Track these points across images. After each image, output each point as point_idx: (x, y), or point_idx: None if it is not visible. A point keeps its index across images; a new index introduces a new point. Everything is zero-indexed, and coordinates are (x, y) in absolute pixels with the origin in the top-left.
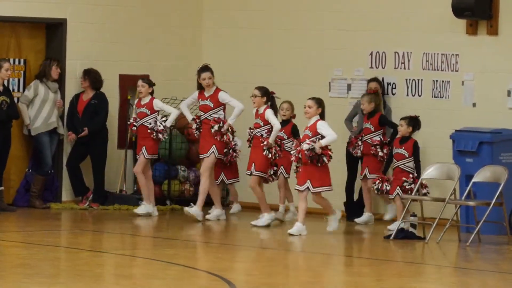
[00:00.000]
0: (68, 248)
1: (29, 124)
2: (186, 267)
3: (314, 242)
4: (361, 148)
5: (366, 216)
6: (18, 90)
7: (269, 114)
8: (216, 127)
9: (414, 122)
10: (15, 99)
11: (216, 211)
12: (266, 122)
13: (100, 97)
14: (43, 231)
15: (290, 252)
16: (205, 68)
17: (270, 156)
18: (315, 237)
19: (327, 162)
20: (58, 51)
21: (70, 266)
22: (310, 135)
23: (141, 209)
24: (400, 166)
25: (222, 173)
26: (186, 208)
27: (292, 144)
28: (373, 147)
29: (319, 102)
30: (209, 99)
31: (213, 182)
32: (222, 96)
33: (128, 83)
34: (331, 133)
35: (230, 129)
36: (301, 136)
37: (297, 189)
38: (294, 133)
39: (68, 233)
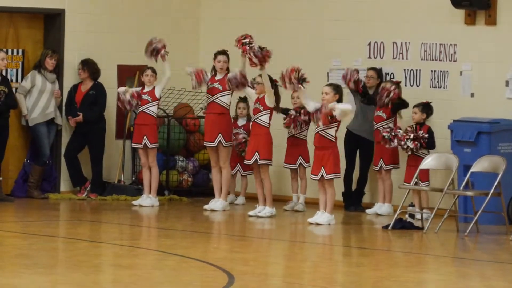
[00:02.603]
0: (66, 239)
1: (26, 115)
2: (185, 257)
3: (311, 232)
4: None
5: (387, 207)
6: (17, 81)
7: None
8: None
9: (427, 109)
10: (13, 90)
11: (221, 202)
12: (266, 107)
13: (99, 87)
14: (41, 222)
15: (287, 243)
16: (222, 52)
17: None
18: (312, 228)
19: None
20: (56, 42)
21: (68, 256)
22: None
23: (148, 201)
24: (415, 153)
25: (238, 164)
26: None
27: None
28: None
29: (336, 89)
30: (218, 82)
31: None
32: None
33: (126, 73)
34: (348, 105)
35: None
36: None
37: (313, 179)
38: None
39: (66, 223)
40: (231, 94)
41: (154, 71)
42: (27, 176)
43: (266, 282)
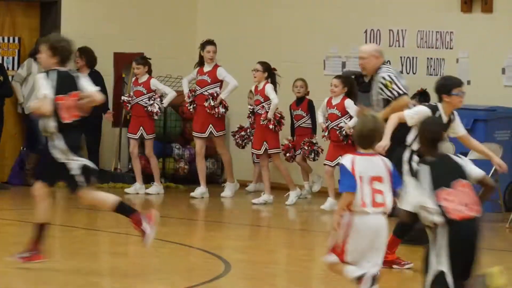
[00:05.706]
0: (63, 226)
1: (22, 103)
2: (181, 245)
3: (308, 219)
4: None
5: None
6: (13, 69)
7: (269, 89)
8: (209, 101)
9: (425, 97)
10: (10, 78)
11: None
12: (266, 98)
13: (96, 75)
14: None
15: (284, 230)
16: (210, 42)
17: (271, 128)
18: (308, 215)
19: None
20: (53, 30)
21: (64, 244)
22: (339, 115)
23: (154, 189)
24: None
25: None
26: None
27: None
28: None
29: (345, 81)
30: (207, 74)
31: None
32: (220, 72)
33: (123, 61)
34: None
35: (222, 104)
36: (325, 114)
37: (328, 164)
38: (310, 109)
39: (62, 211)
40: (220, 85)
41: (140, 62)
42: (24, 164)
43: (263, 270)
